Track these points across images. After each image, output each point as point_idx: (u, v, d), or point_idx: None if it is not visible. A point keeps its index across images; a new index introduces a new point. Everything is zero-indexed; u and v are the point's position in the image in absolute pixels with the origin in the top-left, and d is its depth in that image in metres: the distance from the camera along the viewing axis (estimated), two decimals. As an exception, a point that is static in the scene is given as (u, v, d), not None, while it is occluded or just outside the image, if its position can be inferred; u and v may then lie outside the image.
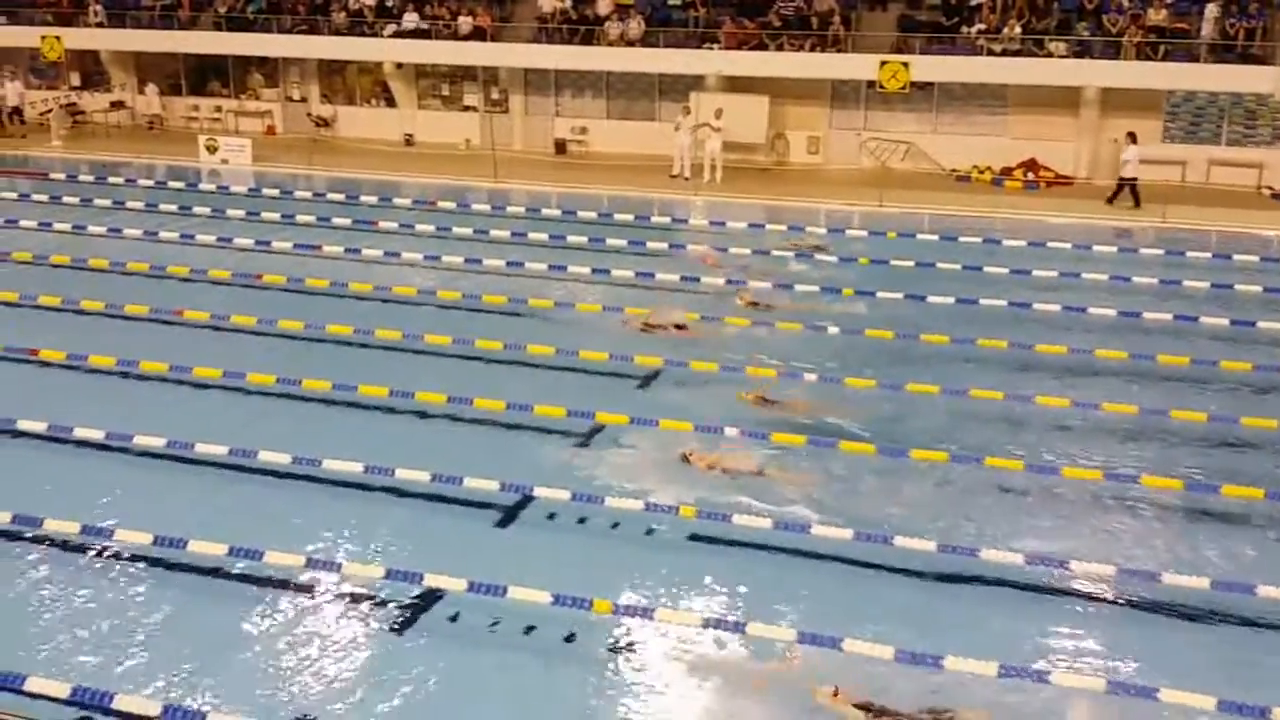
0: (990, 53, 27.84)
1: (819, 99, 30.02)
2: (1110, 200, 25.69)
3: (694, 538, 11.05)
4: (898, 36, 28.90)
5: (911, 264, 20.52)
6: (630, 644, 9.26)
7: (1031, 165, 28.01)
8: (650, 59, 29.95)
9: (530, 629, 9.39)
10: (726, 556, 10.79)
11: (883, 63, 27.57)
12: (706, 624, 9.46)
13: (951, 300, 18.37)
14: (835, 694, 8.55)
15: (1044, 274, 19.96)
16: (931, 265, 20.45)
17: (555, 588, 9.68)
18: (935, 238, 22.84)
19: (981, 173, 28.30)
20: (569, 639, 9.30)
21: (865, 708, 8.45)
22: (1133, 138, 25.67)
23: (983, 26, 28.21)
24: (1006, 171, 28.17)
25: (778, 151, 30.16)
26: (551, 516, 11.41)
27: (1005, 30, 27.87)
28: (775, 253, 21.62)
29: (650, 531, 11.17)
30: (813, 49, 28.86)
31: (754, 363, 15.40)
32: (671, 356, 15.61)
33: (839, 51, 28.71)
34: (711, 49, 29.34)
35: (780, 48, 29.06)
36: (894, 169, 29.11)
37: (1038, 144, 28.23)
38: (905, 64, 27.44)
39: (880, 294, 18.61)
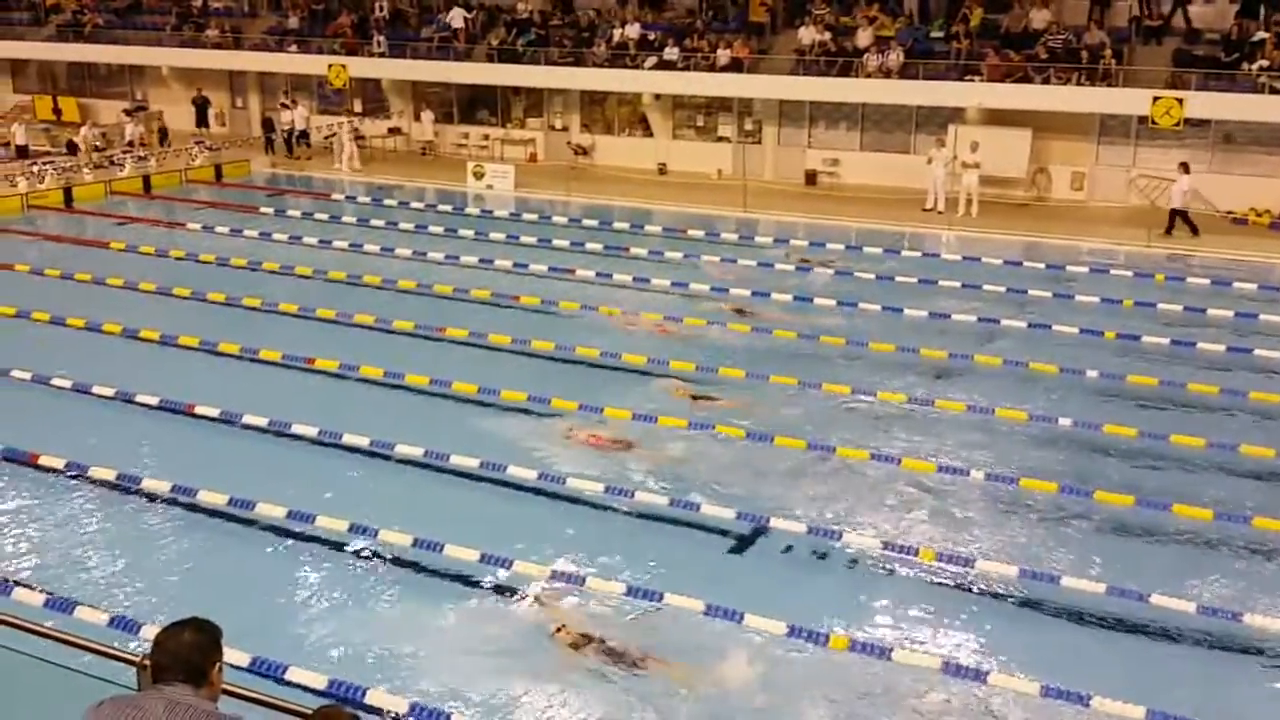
0: (1273, 90, 26.14)
1: (1085, 134, 28.91)
2: (1169, 232, 25.15)
3: (934, 581, 10.84)
4: (1172, 71, 27.54)
5: (1179, 309, 19.50)
6: (860, 679, 9.16)
7: (1316, 210, 26.15)
8: (909, 91, 29.55)
9: (763, 657, 9.42)
10: (965, 602, 10.54)
11: (1156, 98, 26.34)
12: (946, 668, 9.25)
13: (1222, 349, 17.37)
14: (560, 630, 9.51)
15: (1327, 325, 18.63)
16: (1202, 311, 19.38)
17: (790, 618, 9.69)
18: (1207, 282, 21.62)
19: (1259, 215, 26.58)
20: (800, 668, 9.27)
21: (585, 638, 9.37)
22: (1185, 168, 25.28)
23: (1265, 63, 26.53)
24: (1288, 215, 26.38)
25: (1039, 187, 29.18)
26: (788, 549, 11.41)
27: (1291, 66, 26.17)
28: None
29: (890, 570, 11.02)
30: (1080, 82, 27.85)
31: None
32: (916, 393, 15.34)
33: (1109, 85, 27.60)
34: (973, 81, 28.72)
35: (1046, 81, 28.17)
36: (1164, 208, 27.66)
37: (1323, 188, 26.32)
38: (1180, 100, 26.14)
39: (1146, 339, 17.75)
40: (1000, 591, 10.65)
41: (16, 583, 10.31)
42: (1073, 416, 14.49)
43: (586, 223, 26.91)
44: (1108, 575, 10.65)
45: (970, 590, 10.69)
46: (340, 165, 33.64)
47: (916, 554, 11.07)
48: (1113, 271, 22.58)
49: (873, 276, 21.76)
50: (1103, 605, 10.28)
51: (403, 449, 13.32)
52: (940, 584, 10.79)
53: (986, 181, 27.46)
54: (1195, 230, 25.06)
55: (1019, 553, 11.28)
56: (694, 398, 15.34)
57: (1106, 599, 10.30)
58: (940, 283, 21.26)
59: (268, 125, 35.83)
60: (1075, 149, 29.08)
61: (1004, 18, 30.42)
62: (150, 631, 8.52)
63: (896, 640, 9.74)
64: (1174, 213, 25.28)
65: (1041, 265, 22.81)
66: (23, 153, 32.68)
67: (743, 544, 11.46)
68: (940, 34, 30.95)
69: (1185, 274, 22.19)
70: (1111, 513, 12.08)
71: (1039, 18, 29.53)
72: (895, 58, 29.69)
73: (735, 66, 31.46)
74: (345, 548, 11.27)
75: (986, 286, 20.90)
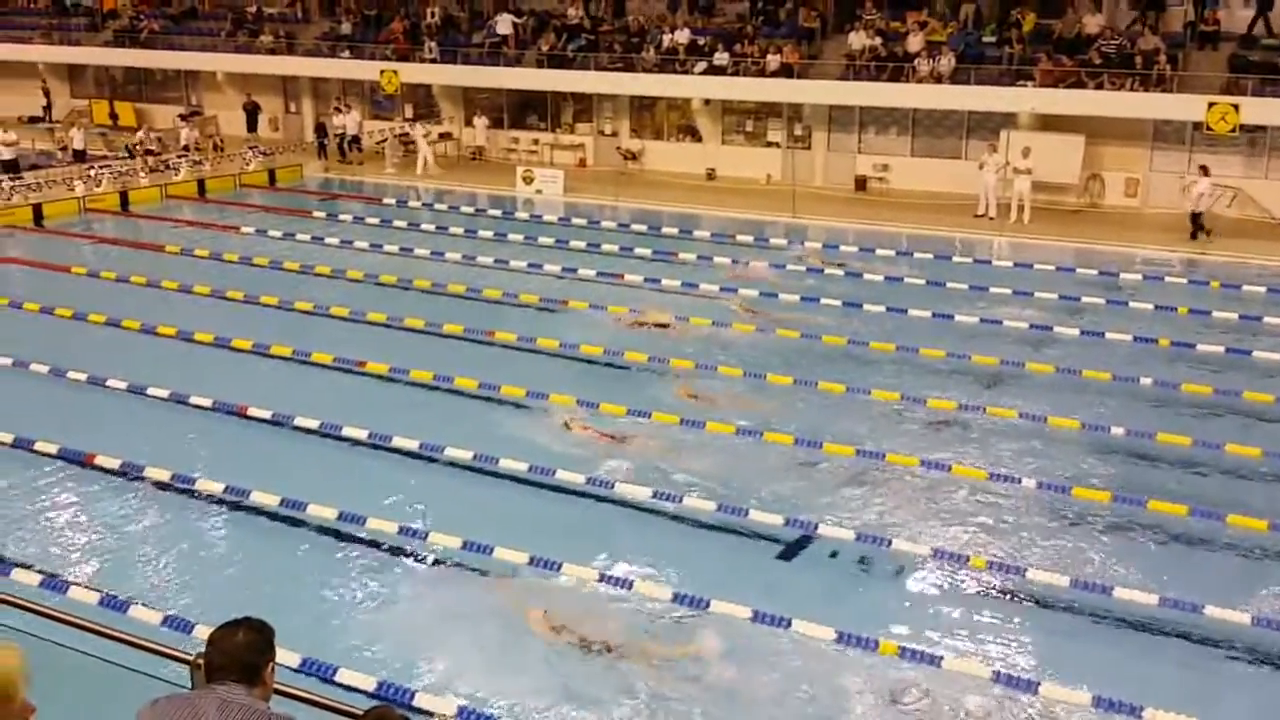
0: (1332, 95, 25.74)
1: (1139, 140, 28.53)
2: (1194, 236, 25.09)
3: (985, 590, 10.74)
4: (1228, 77, 27.13)
5: (1234, 316, 19.21)
6: (908, 689, 9.10)
7: (1375, 216, 25.69)
8: (961, 96, 29.30)
9: (809, 663, 9.38)
10: (1016, 611, 10.44)
11: (1211, 104, 25.99)
12: (996, 677, 9.16)
13: (1278, 357, 17.09)
14: (543, 615, 9.71)
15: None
16: (1258, 319, 19.08)
17: (836, 624, 9.65)
18: (1263, 289, 21.27)
19: (1319, 222, 26.16)
20: (850, 675, 9.23)
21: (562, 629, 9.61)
22: (1205, 171, 25.37)
23: (1325, 67, 26.13)
24: (1347, 222, 25.92)
25: (1091, 193, 28.85)
26: (834, 555, 11.36)
27: (1351, 71, 25.69)
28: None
29: (940, 578, 10.93)
30: (1134, 88, 27.51)
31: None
32: (966, 400, 15.21)
33: (1163, 91, 27.24)
34: (1025, 86, 28.46)
35: (1100, 86, 27.85)
36: (1219, 215, 27.26)
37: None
38: (1235, 105, 25.77)
39: (1201, 347, 17.50)
40: (1052, 601, 10.53)
41: (72, 582, 10.48)
42: (1126, 425, 14.32)
43: (635, 228, 26.92)
44: (1161, 586, 10.52)
45: (1021, 599, 10.59)
46: (389, 168, 33.90)
47: (967, 562, 10.99)
48: (1167, 279, 22.28)
49: (923, 282, 21.61)
50: (1156, 616, 10.15)
51: (452, 451, 13.40)
52: (991, 592, 10.70)
53: (1039, 187, 27.18)
54: (1195, 235, 25.06)
55: (1071, 562, 11.16)
56: (740, 403, 15.30)
57: (1160, 610, 10.17)
58: (992, 289, 21.07)
59: (321, 130, 36.19)
60: (1129, 155, 28.73)
61: (1057, 23, 30.15)
62: (203, 631, 8.62)
63: (946, 648, 9.66)
64: (1194, 215, 25.07)
65: (1094, 272, 22.53)
66: (80, 157, 33.23)
67: (791, 550, 11.42)
68: (992, 39, 30.72)
69: (1240, 281, 21.84)
70: (1165, 522, 11.92)
71: (1092, 23, 29.22)
72: (947, 63, 29.48)
73: (785, 72, 31.38)
74: (395, 549, 11.35)
75: (1039, 293, 20.70)
